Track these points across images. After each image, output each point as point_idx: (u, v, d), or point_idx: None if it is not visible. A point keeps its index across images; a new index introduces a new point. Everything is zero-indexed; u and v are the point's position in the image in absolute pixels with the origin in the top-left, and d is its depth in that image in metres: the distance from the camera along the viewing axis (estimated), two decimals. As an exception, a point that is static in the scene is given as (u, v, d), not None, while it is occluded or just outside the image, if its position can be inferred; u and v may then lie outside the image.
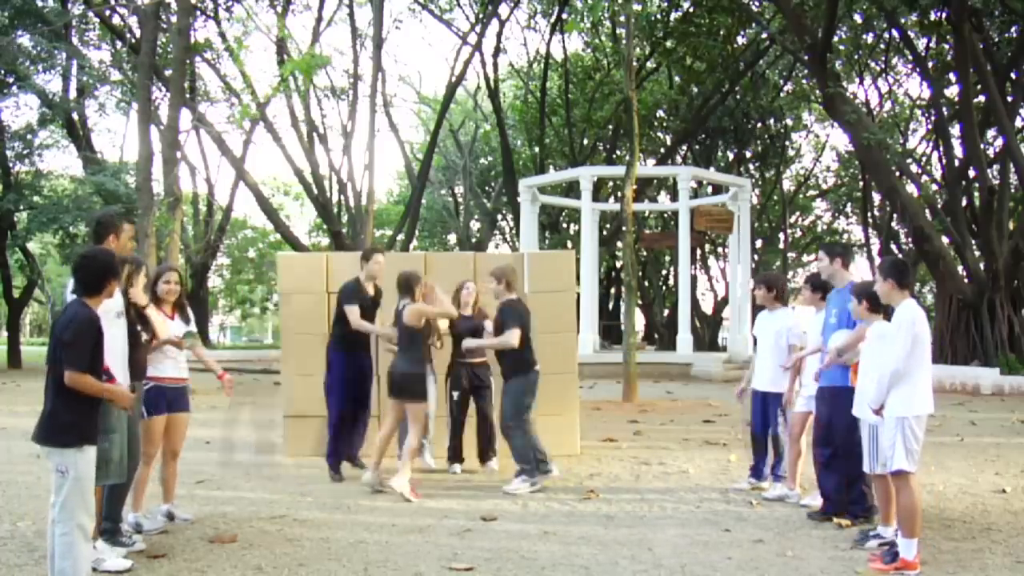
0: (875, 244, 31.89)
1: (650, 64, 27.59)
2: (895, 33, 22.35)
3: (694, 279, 30.54)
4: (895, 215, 26.04)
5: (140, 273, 4.83)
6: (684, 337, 20.31)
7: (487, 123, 35.67)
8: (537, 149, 30.16)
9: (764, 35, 24.13)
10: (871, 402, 4.59)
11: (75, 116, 23.57)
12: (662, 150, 30.36)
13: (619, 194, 19.48)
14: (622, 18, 17.95)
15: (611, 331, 28.79)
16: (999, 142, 22.17)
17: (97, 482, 4.28)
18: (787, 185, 34.44)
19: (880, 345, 4.69)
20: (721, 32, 24.51)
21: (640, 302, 33.53)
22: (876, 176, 21.54)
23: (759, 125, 30.62)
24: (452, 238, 40.54)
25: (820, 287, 5.95)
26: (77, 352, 3.69)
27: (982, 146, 20.86)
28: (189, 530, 5.21)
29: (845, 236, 36.68)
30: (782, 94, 29.10)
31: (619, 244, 22.42)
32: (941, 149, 23.45)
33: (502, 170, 29.46)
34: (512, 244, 37.94)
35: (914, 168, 26.41)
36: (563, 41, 28.73)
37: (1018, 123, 21.48)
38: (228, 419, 10.89)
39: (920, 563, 4.38)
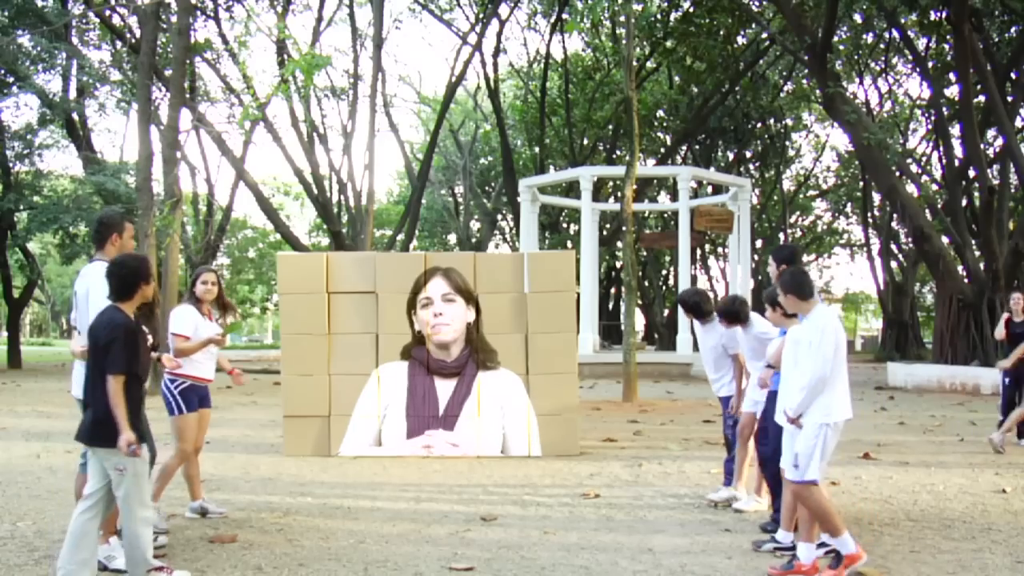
0: (875, 244, 31.89)
1: (650, 64, 27.60)
2: (895, 33, 22.37)
3: (694, 279, 30.55)
4: (895, 215, 26.06)
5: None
6: (684, 337, 20.30)
7: (487, 123, 35.68)
8: (537, 149, 30.17)
9: (764, 35, 24.14)
10: (793, 411, 4.40)
11: (75, 116, 23.57)
12: (662, 150, 30.39)
13: (619, 194, 19.50)
14: (622, 18, 17.96)
15: (611, 331, 28.82)
16: (999, 142, 22.19)
17: None
18: (787, 185, 34.48)
19: (795, 350, 4.50)
20: (721, 32, 24.53)
21: (640, 302, 33.57)
22: (876, 176, 21.55)
23: (759, 125, 30.65)
24: (452, 238, 40.58)
25: (773, 303, 5.45)
26: (114, 355, 3.83)
27: (982, 146, 20.85)
28: (189, 530, 5.21)
29: (845, 236, 36.72)
30: (782, 94, 29.12)
31: (619, 244, 22.44)
32: (941, 149, 23.47)
33: (502, 170, 29.47)
34: (512, 244, 37.97)
35: (914, 168, 26.43)
36: (563, 41, 28.79)
37: (1018, 123, 21.49)
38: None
39: (863, 553, 4.29)
